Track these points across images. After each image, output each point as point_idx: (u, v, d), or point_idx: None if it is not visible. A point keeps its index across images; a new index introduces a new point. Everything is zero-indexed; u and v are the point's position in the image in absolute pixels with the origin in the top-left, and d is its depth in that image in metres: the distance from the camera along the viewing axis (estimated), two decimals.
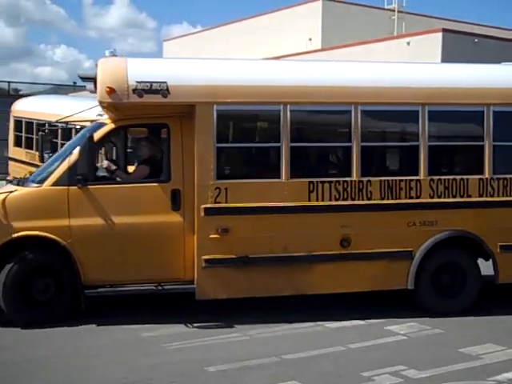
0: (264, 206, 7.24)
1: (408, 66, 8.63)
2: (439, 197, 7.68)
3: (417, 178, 7.62)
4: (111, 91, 6.88)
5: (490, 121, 7.79)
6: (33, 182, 7.42)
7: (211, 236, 7.14)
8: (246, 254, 7.23)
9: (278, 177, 7.30)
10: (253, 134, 7.92)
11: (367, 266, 7.52)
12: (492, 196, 7.81)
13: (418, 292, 7.73)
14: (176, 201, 7.23)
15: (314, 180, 7.37)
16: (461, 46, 22.33)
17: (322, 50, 29.01)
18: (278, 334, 7.02)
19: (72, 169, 7.05)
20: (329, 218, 7.41)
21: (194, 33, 46.48)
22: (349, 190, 7.44)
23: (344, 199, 7.44)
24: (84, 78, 7.62)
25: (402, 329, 7.20)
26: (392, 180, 7.56)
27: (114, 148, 8.90)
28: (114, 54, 7.29)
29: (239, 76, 7.44)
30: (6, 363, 6.01)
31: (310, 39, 33.31)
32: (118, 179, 7.50)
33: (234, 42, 36.18)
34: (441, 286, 7.81)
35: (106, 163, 7.59)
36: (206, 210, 7.12)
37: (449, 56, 20.44)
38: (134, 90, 6.94)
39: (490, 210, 7.79)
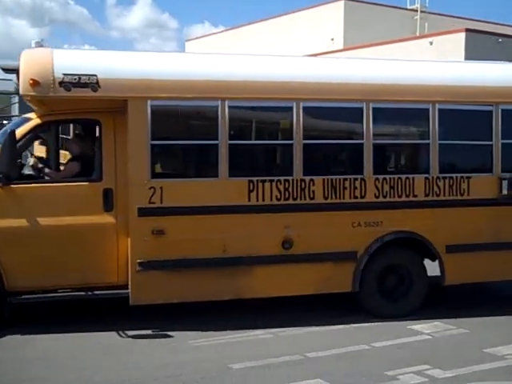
0: (201, 206, 6.91)
1: (353, 61, 8.37)
2: (384, 196, 7.46)
3: (361, 176, 7.38)
4: (35, 84, 6.45)
5: (435, 119, 7.61)
6: None
7: (145, 238, 6.78)
8: (182, 257, 6.88)
9: (216, 176, 6.97)
10: (190, 131, 7.53)
11: (310, 269, 7.26)
12: (438, 196, 7.63)
13: (364, 295, 7.50)
14: (108, 201, 6.85)
15: (254, 179, 7.06)
16: (484, 45, 22.31)
17: (344, 49, 28.85)
18: (301, 332, 6.95)
19: None
20: (270, 219, 7.11)
21: (215, 33, 46.20)
22: (290, 189, 7.15)
23: (286, 199, 7.14)
24: (6, 70, 7.14)
25: (426, 328, 7.12)
26: (336, 179, 7.30)
27: (45, 145, 8.44)
28: (40, 45, 6.86)
29: (175, 70, 7.07)
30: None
31: (332, 39, 33.17)
32: (46, 178, 7.08)
33: (255, 42, 35.87)
34: (386, 288, 7.61)
35: (32, 161, 7.14)
36: (140, 210, 6.75)
37: (472, 56, 20.19)
38: (61, 83, 6.52)
39: (436, 210, 7.61)
